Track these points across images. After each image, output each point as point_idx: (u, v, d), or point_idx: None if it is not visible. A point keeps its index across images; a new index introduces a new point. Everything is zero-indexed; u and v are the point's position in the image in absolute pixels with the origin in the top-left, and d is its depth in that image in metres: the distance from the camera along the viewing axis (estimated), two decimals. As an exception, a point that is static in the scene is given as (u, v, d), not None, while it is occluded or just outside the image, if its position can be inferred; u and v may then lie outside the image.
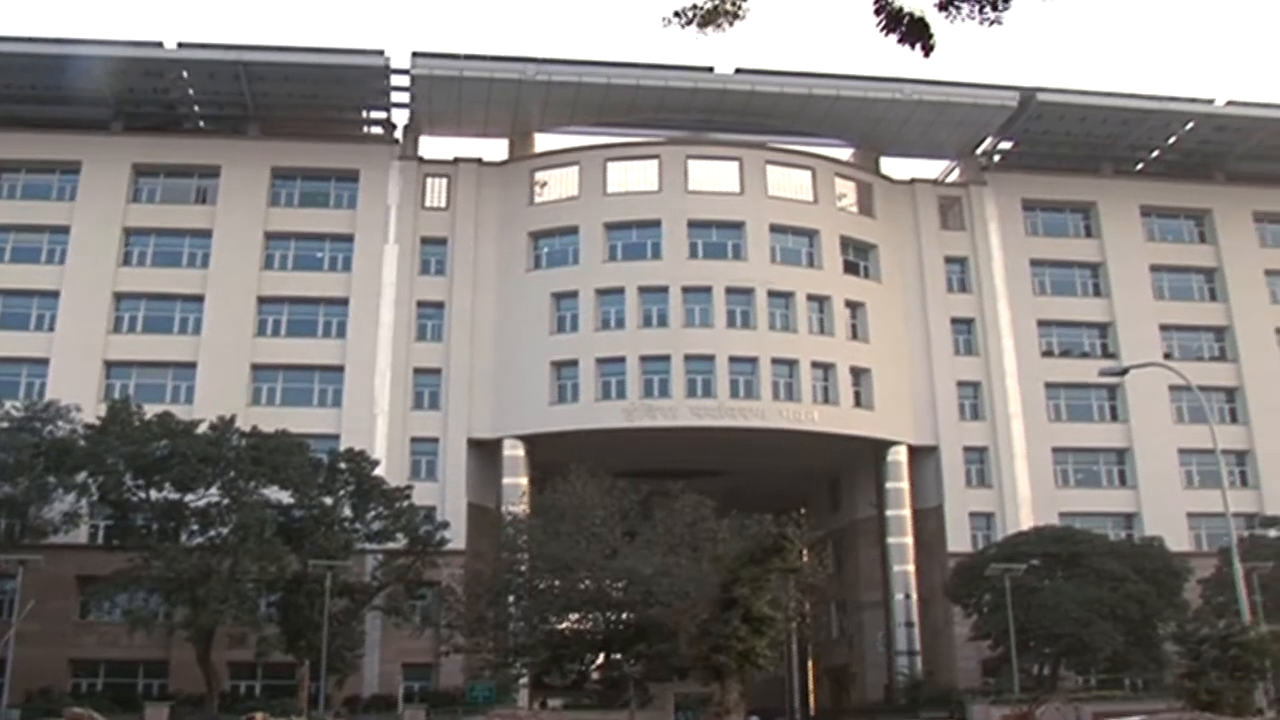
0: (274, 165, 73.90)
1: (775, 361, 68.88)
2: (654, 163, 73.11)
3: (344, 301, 71.28)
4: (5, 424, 57.68)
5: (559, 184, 73.82)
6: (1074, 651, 61.47)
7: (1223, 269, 79.94)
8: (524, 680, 61.25)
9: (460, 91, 71.61)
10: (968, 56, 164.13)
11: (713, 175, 72.99)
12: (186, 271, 71.46)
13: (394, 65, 71.26)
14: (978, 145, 79.60)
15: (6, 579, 58.80)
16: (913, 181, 79.33)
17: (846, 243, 74.06)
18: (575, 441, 66.51)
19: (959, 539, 70.99)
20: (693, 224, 71.40)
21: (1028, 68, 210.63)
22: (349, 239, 72.75)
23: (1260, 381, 77.19)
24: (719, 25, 12.41)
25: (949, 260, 77.25)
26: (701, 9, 12.32)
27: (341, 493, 59.74)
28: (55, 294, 69.71)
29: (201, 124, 76.87)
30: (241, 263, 71.14)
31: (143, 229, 72.43)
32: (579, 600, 58.01)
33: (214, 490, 56.58)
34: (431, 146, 77.05)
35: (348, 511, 59.93)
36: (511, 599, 59.24)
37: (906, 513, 72.16)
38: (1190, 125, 78.43)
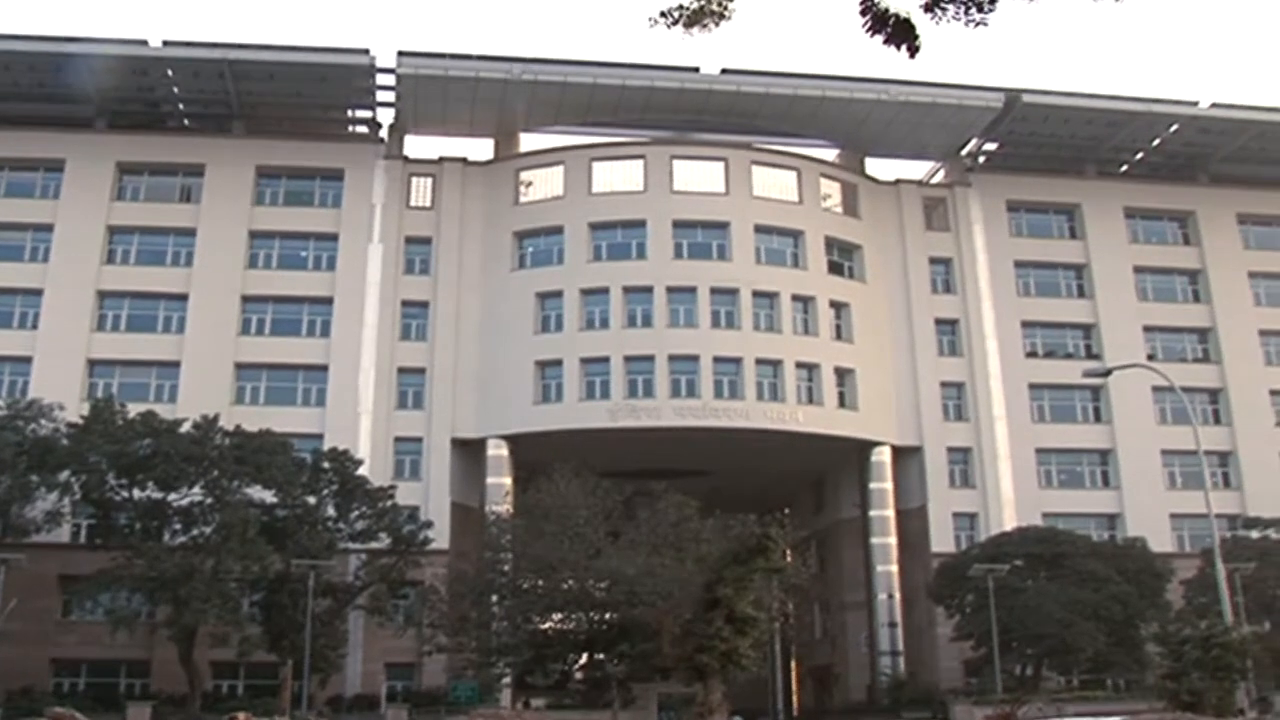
0: (259, 164, 73.73)
1: (759, 362, 68.91)
2: (639, 163, 73.10)
3: (328, 301, 71.17)
4: (-12, 422, 57.49)
5: (544, 184, 73.77)
6: (1056, 652, 61.63)
7: (1206, 271, 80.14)
8: (507, 680, 61.12)
9: (445, 91, 71.55)
10: (953, 58, 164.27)
11: (698, 175, 72.99)
12: (170, 270, 71.31)
13: (379, 64, 71.21)
14: (963, 146, 79.75)
15: (-11, 578, 58.62)
16: (898, 182, 79.42)
17: (831, 243, 74.11)
18: (559, 441, 66.47)
19: (942, 539, 71.07)
20: (678, 224, 71.41)
21: (1013, 69, 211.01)
22: (333, 238, 72.64)
23: (1243, 383, 77.47)
24: (705, 25, 12.41)
25: (933, 261, 77.34)
26: (688, 9, 12.32)
27: (325, 492, 59.76)
28: (39, 292, 69.52)
29: (186, 122, 76.77)
30: (226, 261, 70.99)
31: (127, 227, 72.27)
32: (562, 600, 57.89)
33: (197, 489, 56.48)
34: (417, 146, 77.21)
35: (331, 511, 59.98)
36: (495, 599, 59.13)
37: (890, 513, 72.23)
38: (1174, 127, 78.59)
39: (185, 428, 56.90)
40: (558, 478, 57.20)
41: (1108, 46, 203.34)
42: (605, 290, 69.94)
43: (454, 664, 61.98)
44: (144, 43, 70.03)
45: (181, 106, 75.66)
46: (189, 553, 54.73)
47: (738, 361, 68.68)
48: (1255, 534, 67.14)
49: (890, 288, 75.58)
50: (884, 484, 72.45)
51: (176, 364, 68.77)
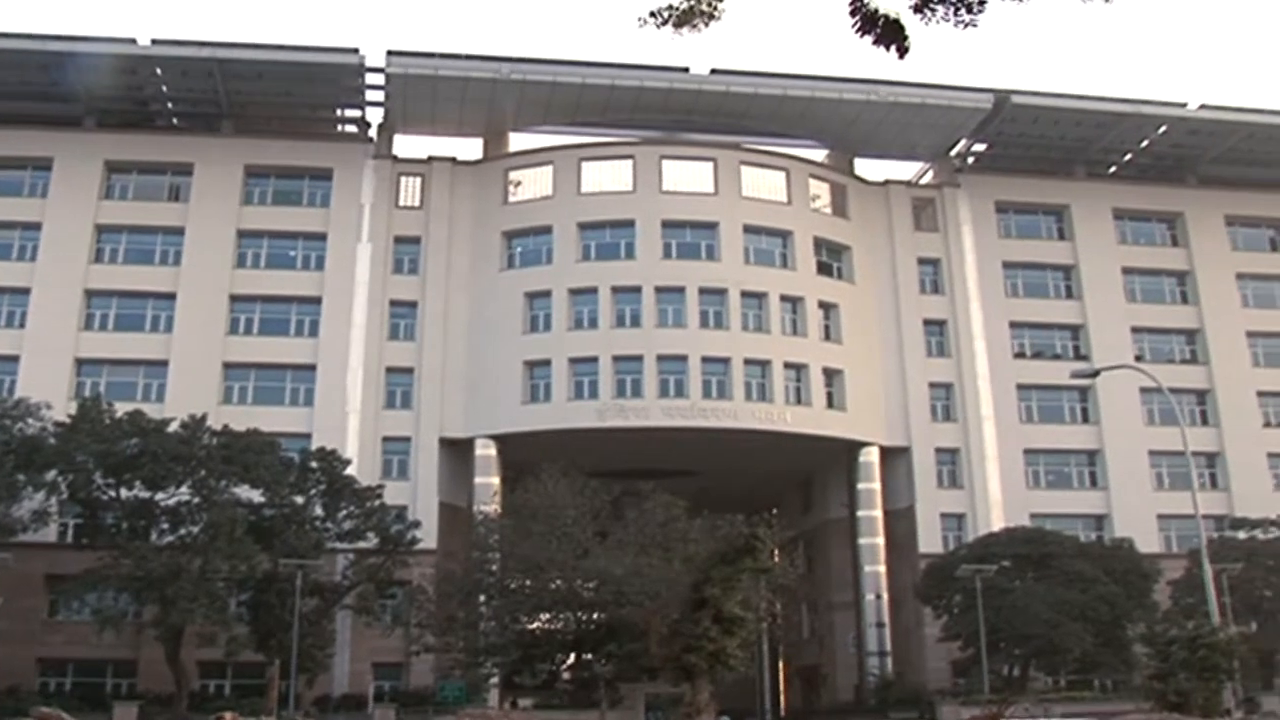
0: (247, 163, 73.64)
1: (748, 362, 68.94)
2: (628, 163, 73.12)
3: (317, 300, 71.14)
4: (-25, 421, 57.35)
5: (533, 183, 73.79)
6: (1044, 652, 61.68)
7: (1194, 272, 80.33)
8: (494, 680, 61.02)
9: (435, 90, 71.51)
10: (942, 59, 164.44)
11: (687, 176, 73.01)
12: (159, 269, 71.23)
13: (369, 64, 71.16)
14: (952, 147, 79.85)
15: (-25, 577, 58.47)
16: (886, 183, 79.53)
17: (820, 244, 74.16)
18: (547, 441, 66.46)
19: (930, 540, 71.14)
20: (666, 224, 71.44)
21: (1002, 70, 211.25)
22: (322, 237, 72.60)
23: (1231, 384, 77.66)
24: (694, 26, 12.40)
25: (922, 262, 77.45)
26: (677, 9, 12.31)
27: (313, 492, 59.58)
28: (26, 291, 69.42)
29: (175, 121, 76.66)
30: (214, 260, 70.90)
31: (115, 226, 72.17)
32: (550, 600, 57.82)
33: (184, 489, 56.34)
34: (406, 145, 77.27)
35: (319, 510, 59.83)
36: (482, 598, 59.14)
37: (878, 513, 72.30)
38: (1163, 129, 78.71)
39: (173, 427, 56.74)
40: (546, 478, 57.15)
41: (1097, 48, 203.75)
42: (594, 290, 69.93)
43: (441, 664, 61.99)
44: (132, 41, 69.87)
45: (170, 105, 75.55)
46: (176, 552, 54.57)
47: (726, 362, 68.72)
48: (1242, 535, 67.36)
49: (879, 288, 75.63)
50: (872, 484, 72.56)
51: (164, 363, 68.67)
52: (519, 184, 74.06)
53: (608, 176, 72.95)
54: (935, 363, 75.34)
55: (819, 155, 78.92)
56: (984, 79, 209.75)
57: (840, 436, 71.72)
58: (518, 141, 77.46)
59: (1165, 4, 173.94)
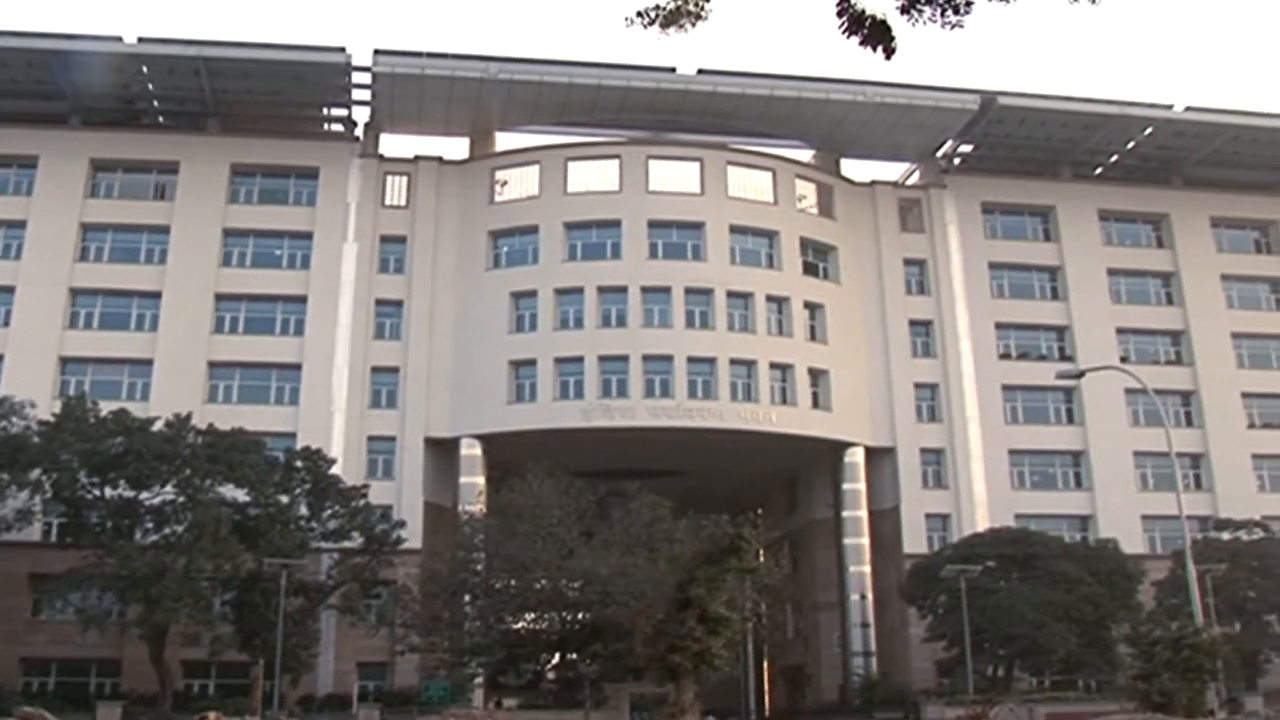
0: (233, 162, 73.49)
1: (734, 362, 68.98)
2: (615, 163, 73.13)
3: (302, 299, 71.03)
4: (-41, 420, 57.14)
5: (519, 183, 73.78)
6: (1028, 653, 61.75)
7: (1179, 273, 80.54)
8: (479, 680, 60.97)
9: (422, 89, 71.47)
10: (929, 60, 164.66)
11: (673, 176, 73.02)
12: (144, 268, 71.09)
13: (355, 62, 71.12)
14: (938, 148, 79.99)
15: (-41, 576, 58.36)
16: (873, 184, 79.61)
17: (806, 244, 74.22)
18: (533, 441, 66.45)
19: (915, 540, 71.22)
20: (653, 224, 71.45)
21: (989, 71, 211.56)
22: (308, 236, 72.49)
23: (1215, 385, 77.87)
24: (681, 26, 12.43)
25: (908, 262, 77.57)
26: (664, 9, 12.34)
27: (297, 491, 59.46)
28: (10, 289, 69.26)
29: (161, 120, 76.47)
30: (199, 259, 70.77)
31: (100, 224, 72.01)
32: (535, 600, 57.85)
33: (169, 488, 56.08)
34: (392, 144, 77.32)
35: (304, 510, 59.71)
36: (467, 598, 59.18)
37: (863, 514, 72.35)
38: (1149, 130, 78.88)
39: (158, 426, 56.53)
40: (531, 477, 57.19)
41: (1083, 49, 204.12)
42: (580, 290, 69.93)
43: (426, 664, 61.95)
44: (119, 39, 69.71)
45: (156, 104, 75.38)
46: (160, 551, 54.33)
47: (712, 362, 68.75)
48: (1226, 536, 67.45)
49: (865, 289, 75.72)
50: (857, 485, 72.64)
51: (149, 362, 68.55)
52: (505, 183, 74.03)
53: (594, 176, 72.96)
54: (921, 363, 75.46)
55: (805, 156, 78.99)
56: (970, 80, 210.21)
57: (825, 437, 71.79)
58: (504, 141, 77.54)
59: (1151, 6, 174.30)
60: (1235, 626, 62.37)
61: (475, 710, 57.92)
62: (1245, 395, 78.62)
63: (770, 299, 71.31)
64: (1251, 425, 78.40)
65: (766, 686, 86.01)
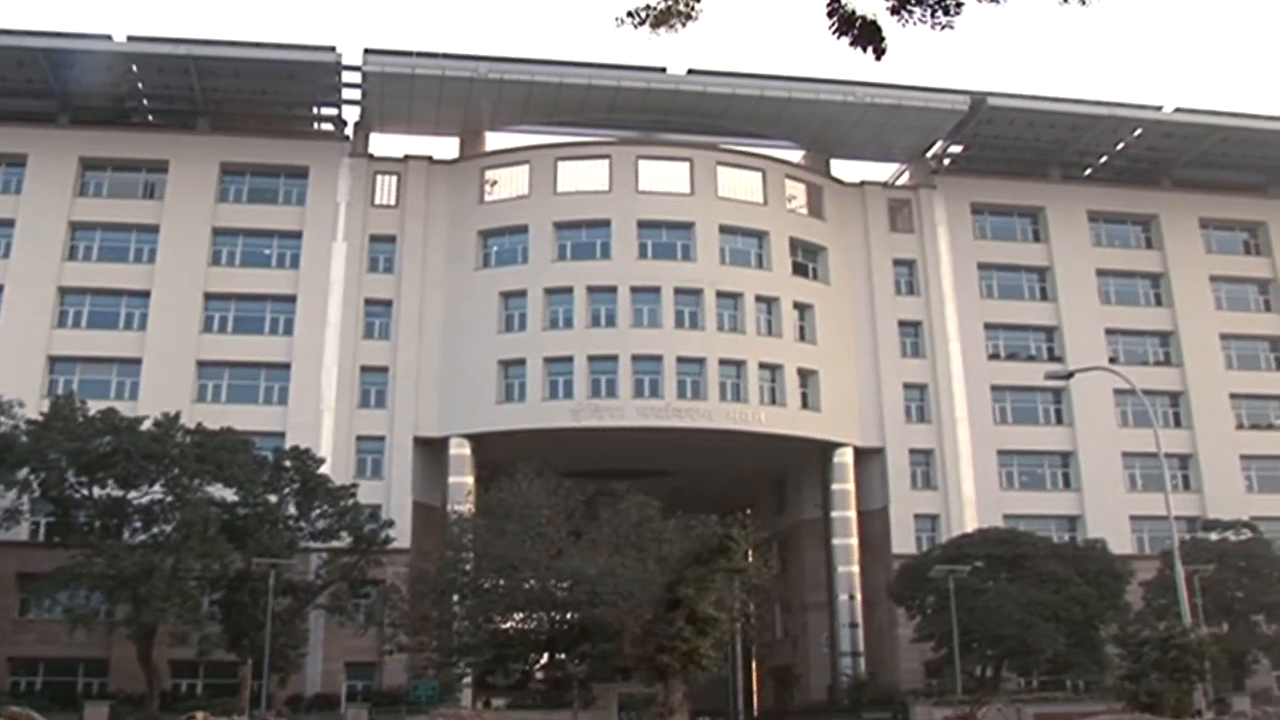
0: (223, 161, 73.40)
1: (723, 362, 69.02)
2: (604, 163, 73.12)
3: (291, 299, 70.94)
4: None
5: (509, 183, 73.75)
6: (1016, 653, 61.77)
7: (1168, 274, 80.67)
8: (467, 680, 61.08)
9: (412, 89, 71.44)
10: (919, 60, 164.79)
11: (663, 176, 73.05)
12: (133, 267, 70.95)
13: (345, 62, 71.05)
14: (928, 149, 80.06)
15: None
16: (862, 184, 79.64)
17: (796, 244, 74.28)
18: (522, 441, 66.48)
19: (904, 541, 71.27)
20: (642, 224, 71.47)
21: (979, 72, 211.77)
22: (297, 236, 72.40)
23: (1204, 386, 78.00)
24: (672, 26, 12.46)
25: (897, 263, 77.63)
26: (654, 9, 12.37)
27: (286, 490, 59.48)
28: (-1, 288, 69.14)
29: (151, 118, 76.33)
30: (189, 258, 70.67)
31: (89, 223, 71.87)
32: (523, 600, 57.86)
33: (157, 487, 55.97)
34: (382, 144, 77.14)
35: (292, 509, 59.70)
36: (456, 598, 59.18)
37: (852, 514, 72.39)
38: (1138, 131, 78.99)
39: (146, 425, 56.43)
40: (520, 477, 57.17)
41: (1073, 50, 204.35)
42: (569, 290, 69.94)
43: (415, 663, 61.82)
44: (109, 38, 69.55)
45: (146, 102, 75.21)
46: (149, 551, 54.29)
47: (701, 362, 68.78)
48: (1214, 536, 67.59)
49: (854, 289, 75.77)
50: (846, 485, 72.67)
51: (138, 361, 68.44)
52: (495, 183, 74.02)
53: (584, 176, 72.96)
54: (910, 364, 75.53)
55: (795, 156, 79.05)
56: (960, 81, 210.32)
57: (815, 437, 71.84)
58: (494, 141, 77.50)
59: (1141, 7, 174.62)
60: (1223, 627, 62.53)
61: (463, 710, 58.02)
62: (1233, 396, 78.76)
63: (759, 299, 71.36)
64: (1240, 426, 78.53)
65: (755, 687, 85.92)
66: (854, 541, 72.02)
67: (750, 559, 58.44)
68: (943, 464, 73.66)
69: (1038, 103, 76.79)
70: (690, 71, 73.09)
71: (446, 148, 77.09)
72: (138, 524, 56.66)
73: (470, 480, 67.63)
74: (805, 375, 71.47)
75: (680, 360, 68.57)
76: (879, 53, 12.12)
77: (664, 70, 72.64)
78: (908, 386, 75.11)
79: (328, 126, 77.38)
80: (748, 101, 73.60)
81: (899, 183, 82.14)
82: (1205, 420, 77.27)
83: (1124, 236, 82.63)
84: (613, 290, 69.75)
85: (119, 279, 70.55)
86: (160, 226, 71.45)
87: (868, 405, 73.92)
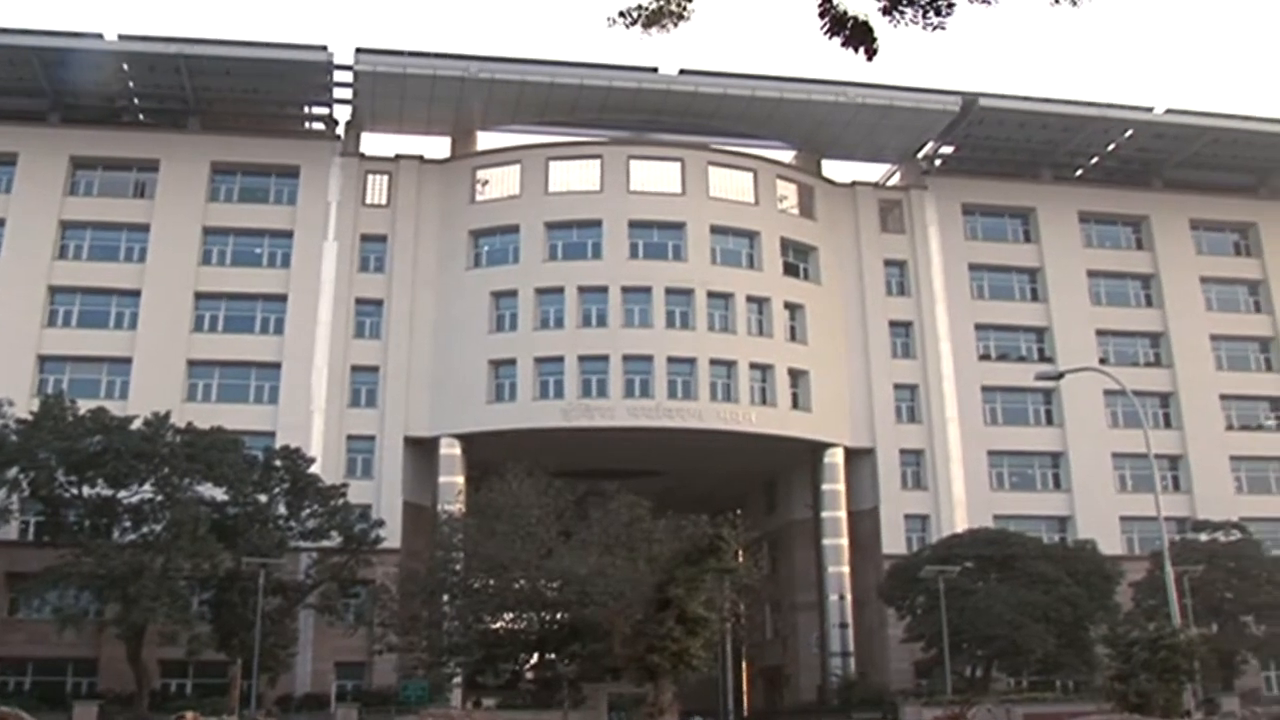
0: (214, 160, 73.31)
1: (714, 362, 69.02)
2: (596, 162, 73.10)
3: (282, 298, 70.88)
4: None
5: (500, 182, 73.72)
6: (1006, 653, 61.79)
7: (1159, 275, 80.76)
8: (457, 680, 61.03)
9: (403, 88, 71.35)
10: (911, 61, 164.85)
11: (654, 176, 73.04)
12: (123, 266, 70.87)
13: (337, 61, 70.96)
14: (919, 149, 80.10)
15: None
16: (854, 184, 79.68)
17: (787, 245, 74.29)
18: (512, 441, 66.46)
19: (894, 541, 71.31)
20: (633, 224, 71.47)
21: (970, 73, 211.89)
22: (288, 235, 72.33)
23: (1194, 387, 78.09)
24: (663, 26, 12.46)
25: (888, 263, 77.67)
26: (646, 9, 12.37)
27: (276, 490, 59.45)
28: (-11, 287, 68.93)
29: (141, 117, 76.15)
30: (179, 258, 70.57)
31: (79, 222, 71.74)
32: (513, 600, 57.84)
33: (147, 487, 55.96)
34: (373, 143, 77.20)
35: (282, 509, 59.67)
36: (446, 598, 59.07)
37: (842, 514, 72.45)
38: (1129, 132, 79.06)
39: (136, 424, 56.34)
40: (510, 477, 57.07)
41: (1065, 51, 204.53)
42: (560, 290, 69.92)
43: (404, 663, 61.81)
44: (99, 37, 69.43)
45: (137, 101, 75.07)
46: (138, 550, 54.21)
47: (692, 362, 68.77)
48: (1204, 537, 67.78)
49: (845, 290, 75.79)
50: (836, 485, 72.71)
51: (128, 360, 68.32)
52: (486, 183, 73.96)
53: (575, 176, 72.92)
54: (900, 364, 75.55)
55: (787, 156, 79.08)
56: (952, 82, 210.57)
57: (805, 437, 71.86)
58: (485, 140, 77.45)
59: (1133, 8, 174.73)
60: (1212, 627, 62.58)
61: (453, 710, 58.02)
62: (1223, 397, 78.85)
63: (750, 299, 71.37)
64: (1229, 427, 78.63)
65: (745, 687, 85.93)
66: (844, 542, 72.08)
67: (740, 559, 58.57)
68: (933, 464, 73.72)
69: (1029, 103, 76.80)
70: (682, 72, 73.07)
71: (438, 147, 77.12)
72: (127, 523, 56.69)
73: (460, 480, 67.59)
74: (796, 375, 71.49)
75: (671, 360, 68.57)
76: (870, 53, 12.13)
77: (656, 70, 72.59)
78: (898, 387, 75.15)
79: (319, 126, 77.33)
80: (739, 102, 73.60)
81: (890, 183, 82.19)
82: (1195, 421, 77.34)
83: (1115, 237, 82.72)
84: (604, 290, 69.73)
85: (109, 278, 70.45)
86: (151, 225, 71.34)
87: (858, 405, 73.96)
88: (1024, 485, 75.71)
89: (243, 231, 72.78)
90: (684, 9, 12.42)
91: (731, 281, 71.23)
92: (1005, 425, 75.91)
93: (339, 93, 73.99)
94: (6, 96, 71.94)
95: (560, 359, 68.53)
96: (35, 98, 72.10)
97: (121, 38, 69.77)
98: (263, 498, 58.96)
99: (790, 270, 73.98)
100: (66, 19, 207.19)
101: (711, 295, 70.40)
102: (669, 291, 69.88)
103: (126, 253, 71.46)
